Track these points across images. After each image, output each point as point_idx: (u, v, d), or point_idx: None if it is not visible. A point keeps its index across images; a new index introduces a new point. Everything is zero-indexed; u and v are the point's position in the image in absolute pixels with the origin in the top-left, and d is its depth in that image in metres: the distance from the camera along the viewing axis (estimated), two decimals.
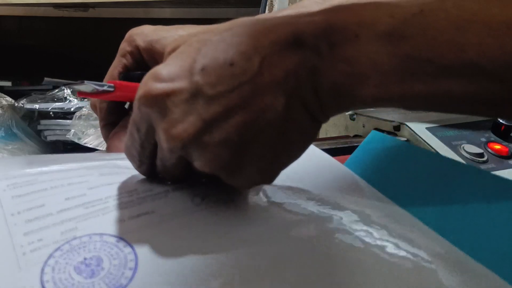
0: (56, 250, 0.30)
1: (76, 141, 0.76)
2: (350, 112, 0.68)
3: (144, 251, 0.31)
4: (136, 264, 0.30)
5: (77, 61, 1.35)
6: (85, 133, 0.77)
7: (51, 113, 1.09)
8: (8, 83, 1.37)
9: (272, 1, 0.86)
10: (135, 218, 0.33)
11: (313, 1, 0.53)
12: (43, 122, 1.11)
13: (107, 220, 0.33)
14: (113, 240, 0.31)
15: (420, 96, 0.30)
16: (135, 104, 0.32)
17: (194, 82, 0.30)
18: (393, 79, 0.30)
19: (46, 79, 0.46)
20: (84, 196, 0.35)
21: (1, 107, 1.11)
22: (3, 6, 1.44)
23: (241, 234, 0.34)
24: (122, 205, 0.35)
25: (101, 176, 0.38)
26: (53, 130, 1.10)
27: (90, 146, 0.72)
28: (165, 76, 0.31)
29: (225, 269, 0.31)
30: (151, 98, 0.31)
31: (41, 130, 1.12)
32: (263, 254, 0.32)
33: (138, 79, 0.45)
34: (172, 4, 1.33)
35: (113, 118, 0.49)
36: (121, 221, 0.33)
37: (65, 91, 1.08)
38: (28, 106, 1.08)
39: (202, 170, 0.32)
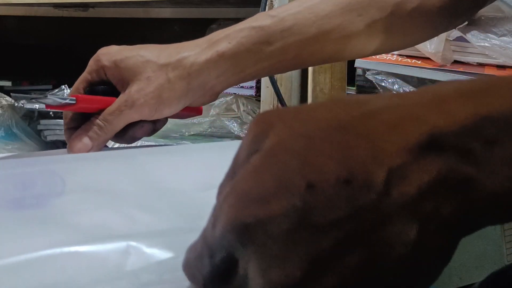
0: None
1: None
2: None
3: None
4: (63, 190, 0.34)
5: (77, 61, 1.34)
6: None
7: (51, 113, 1.09)
8: (8, 83, 1.37)
9: (272, 1, 0.86)
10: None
11: (266, 14, 0.55)
12: (43, 122, 1.11)
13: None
14: (51, 172, 0.36)
15: None
16: (213, 227, 0.26)
17: (297, 206, 0.22)
18: None
19: (12, 94, 0.54)
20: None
21: (1, 107, 1.11)
22: (3, 6, 1.44)
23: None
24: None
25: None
26: (53, 130, 1.10)
27: None
28: (258, 196, 0.23)
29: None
30: (241, 227, 0.23)
31: (41, 130, 1.12)
32: None
33: (102, 93, 0.52)
34: (172, 4, 1.33)
35: (75, 123, 0.53)
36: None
37: (65, 91, 1.08)
38: (28, 106, 1.08)
39: None
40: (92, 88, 0.52)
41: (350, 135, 0.23)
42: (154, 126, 0.54)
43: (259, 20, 0.53)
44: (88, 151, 0.51)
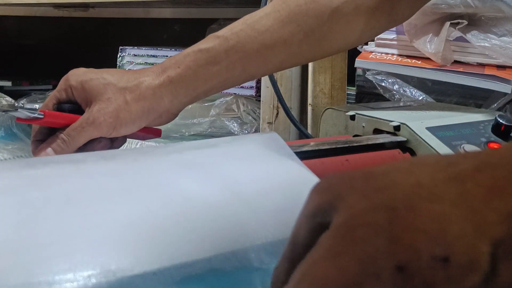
0: None
1: None
2: (350, 112, 0.68)
3: None
4: None
5: (77, 61, 1.35)
6: None
7: None
8: (8, 83, 1.37)
9: (272, 1, 0.86)
10: None
11: (214, 35, 0.58)
12: None
13: None
14: None
15: None
16: None
17: None
18: None
19: None
20: None
21: (1, 107, 1.11)
22: (3, 6, 1.44)
23: None
24: None
25: None
26: None
27: None
28: (339, 285, 0.20)
29: None
30: None
31: None
32: None
33: (68, 110, 0.57)
34: (172, 4, 1.33)
35: (42, 136, 0.58)
36: None
37: None
38: (28, 106, 1.08)
39: None
40: (60, 106, 0.57)
41: (441, 202, 0.20)
42: (111, 144, 0.58)
43: (206, 43, 0.58)
44: None
